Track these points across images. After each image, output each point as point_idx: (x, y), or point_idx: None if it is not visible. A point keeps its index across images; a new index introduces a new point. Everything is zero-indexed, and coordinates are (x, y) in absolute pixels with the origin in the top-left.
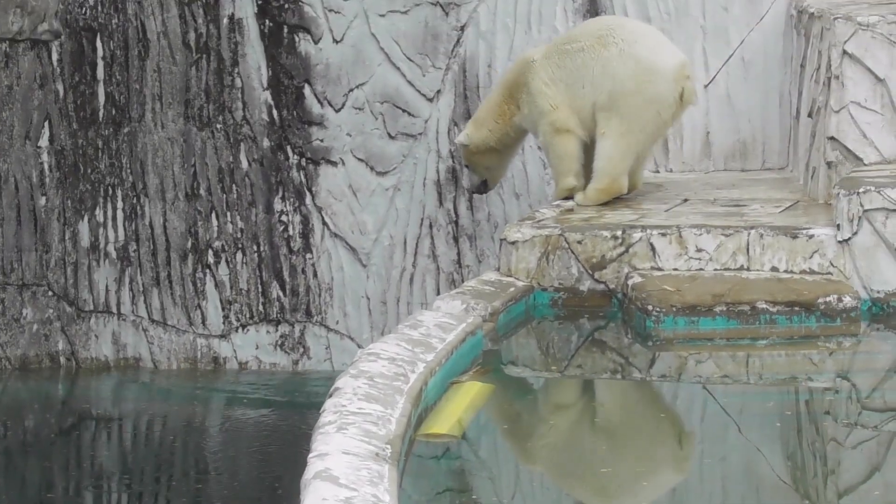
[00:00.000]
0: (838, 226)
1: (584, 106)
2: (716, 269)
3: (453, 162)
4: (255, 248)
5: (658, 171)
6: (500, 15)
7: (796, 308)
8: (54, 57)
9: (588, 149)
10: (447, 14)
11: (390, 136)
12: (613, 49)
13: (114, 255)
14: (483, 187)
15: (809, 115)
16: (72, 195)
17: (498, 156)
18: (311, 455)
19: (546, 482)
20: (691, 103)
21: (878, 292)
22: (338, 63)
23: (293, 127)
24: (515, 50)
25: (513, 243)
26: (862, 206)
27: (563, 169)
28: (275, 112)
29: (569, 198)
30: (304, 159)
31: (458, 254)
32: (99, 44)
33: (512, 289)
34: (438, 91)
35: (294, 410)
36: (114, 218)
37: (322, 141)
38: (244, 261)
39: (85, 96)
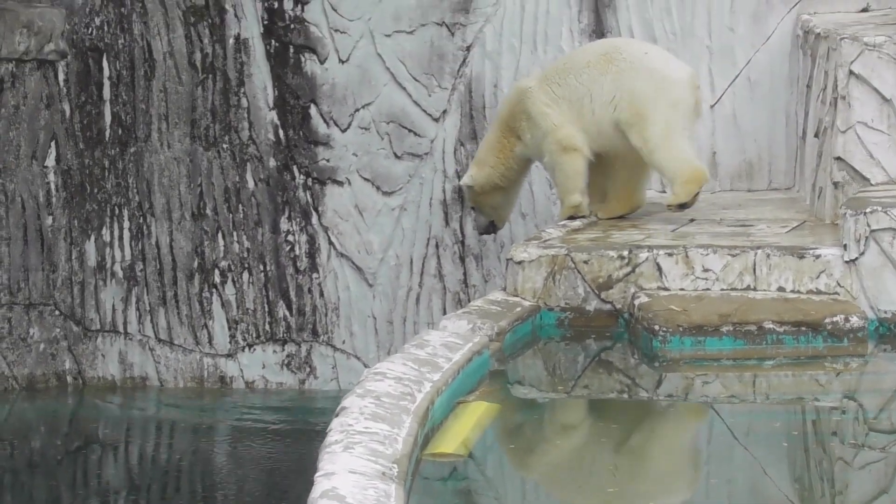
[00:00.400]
0: (845, 246)
1: (598, 121)
2: (722, 289)
3: (459, 181)
4: (261, 267)
5: (664, 192)
6: (505, 35)
7: (803, 328)
8: (61, 77)
9: (597, 175)
10: (453, 34)
11: (396, 156)
12: (623, 64)
13: (120, 274)
14: (491, 228)
15: (816, 136)
16: (78, 215)
17: (503, 194)
18: (317, 474)
19: (552, 502)
20: (699, 115)
21: (886, 312)
22: (344, 83)
23: (299, 147)
24: (521, 70)
25: (519, 263)
26: (869, 226)
27: (570, 186)
28: (281, 132)
29: (574, 217)
30: (310, 179)
31: (465, 273)
32: (105, 64)
33: (518, 309)
34: (444, 111)
35: (300, 430)
36: (120, 237)
37: (328, 161)
38: (250, 280)
39: (91, 116)
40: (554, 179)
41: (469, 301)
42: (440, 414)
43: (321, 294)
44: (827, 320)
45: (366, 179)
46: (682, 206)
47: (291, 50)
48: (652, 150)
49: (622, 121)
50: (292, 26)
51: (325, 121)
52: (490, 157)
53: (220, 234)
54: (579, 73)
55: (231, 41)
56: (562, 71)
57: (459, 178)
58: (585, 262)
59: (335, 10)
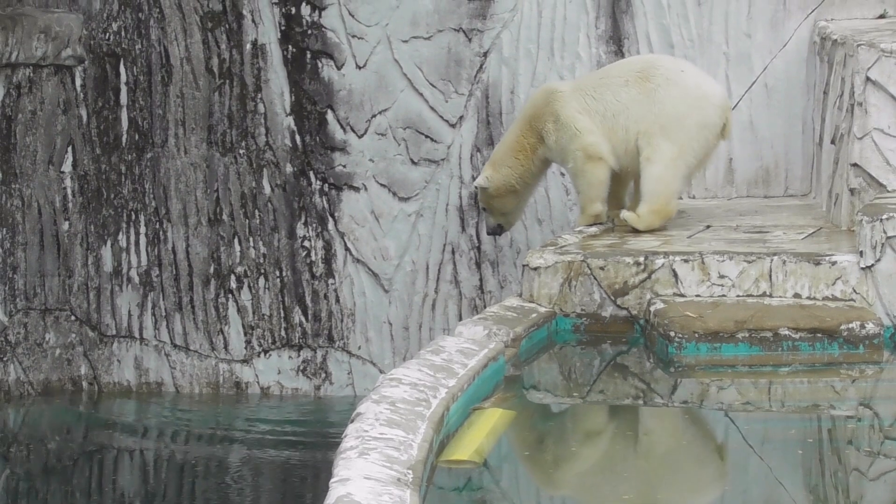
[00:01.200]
0: (861, 252)
1: (626, 138)
2: (738, 296)
3: (474, 183)
4: (277, 273)
5: (681, 198)
6: (522, 41)
7: (819, 335)
8: (77, 82)
9: (617, 179)
10: (470, 40)
11: (413, 162)
12: (659, 80)
13: (136, 280)
14: (499, 230)
15: (832, 142)
16: (95, 220)
17: (515, 197)
18: (332, 480)
19: None
20: (726, 137)
21: None
22: (360, 89)
23: (316, 152)
24: (538, 76)
25: (535, 269)
26: (885, 232)
27: (593, 195)
28: (297, 137)
29: (592, 224)
30: (326, 185)
31: (481, 279)
32: (122, 69)
33: (534, 314)
34: (461, 117)
35: (316, 435)
36: (136, 243)
37: (345, 166)
38: (266, 286)
39: (108, 121)
40: (576, 186)
41: (485, 307)
42: (456, 420)
43: (337, 300)
44: (843, 327)
45: (382, 185)
46: (630, 229)
47: (308, 55)
48: (653, 161)
49: (643, 131)
50: (309, 32)
51: (341, 126)
52: (508, 157)
53: (236, 240)
54: (617, 89)
55: (248, 46)
56: (598, 85)
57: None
58: (601, 269)
59: (352, 16)
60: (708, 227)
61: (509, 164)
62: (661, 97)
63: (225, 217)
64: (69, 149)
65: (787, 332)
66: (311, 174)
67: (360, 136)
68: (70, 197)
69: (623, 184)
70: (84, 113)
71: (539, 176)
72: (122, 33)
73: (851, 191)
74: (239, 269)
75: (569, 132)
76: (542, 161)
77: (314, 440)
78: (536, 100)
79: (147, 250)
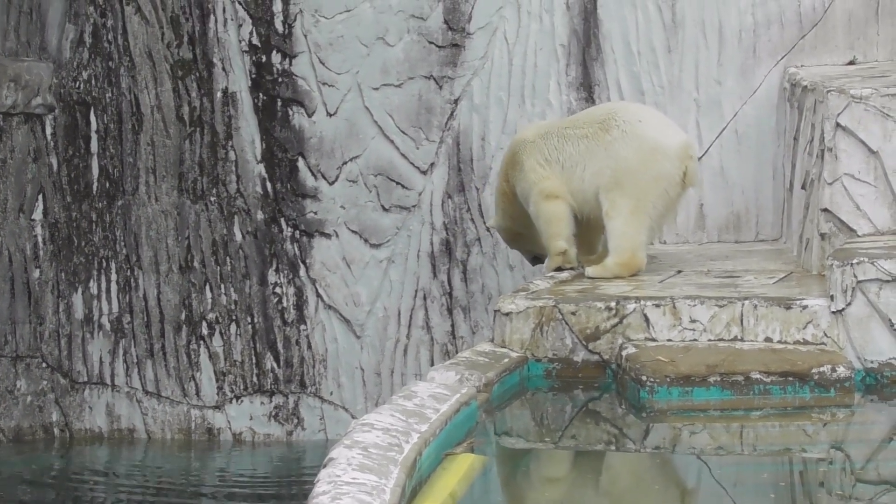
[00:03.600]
0: (832, 296)
1: (585, 189)
2: (710, 340)
3: (447, 234)
4: (249, 319)
5: (652, 243)
6: (493, 89)
7: (790, 378)
8: (48, 130)
9: (586, 229)
10: (441, 87)
11: (384, 209)
12: (616, 132)
13: (108, 327)
14: (536, 260)
15: (803, 187)
16: (66, 268)
17: (523, 234)
18: None
19: None
20: (693, 185)
21: (872, 363)
22: (331, 136)
23: (287, 199)
24: (509, 123)
25: (507, 314)
26: (856, 276)
27: (553, 231)
28: (269, 185)
29: (560, 269)
30: (297, 231)
31: (452, 325)
32: (93, 117)
33: (506, 360)
34: (432, 164)
35: (288, 481)
36: (108, 290)
37: (316, 213)
38: (238, 332)
39: (79, 169)
40: (538, 227)
41: (457, 352)
42: (428, 465)
43: (309, 346)
44: (814, 371)
45: (353, 232)
46: (598, 279)
47: (279, 103)
48: (612, 217)
49: (602, 186)
50: (280, 80)
51: (312, 174)
52: (500, 201)
53: (207, 287)
54: (577, 141)
55: (219, 94)
56: (562, 135)
57: (447, 230)
58: (573, 314)
59: (323, 64)
60: (679, 272)
61: (503, 208)
62: (615, 150)
63: (196, 264)
64: (40, 197)
65: (758, 376)
66: (283, 221)
67: (331, 183)
68: (41, 244)
69: (594, 231)
70: (54, 161)
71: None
72: (93, 82)
73: (822, 235)
74: (210, 316)
75: (529, 180)
76: (521, 205)
77: (286, 486)
78: (510, 148)
79: (118, 297)
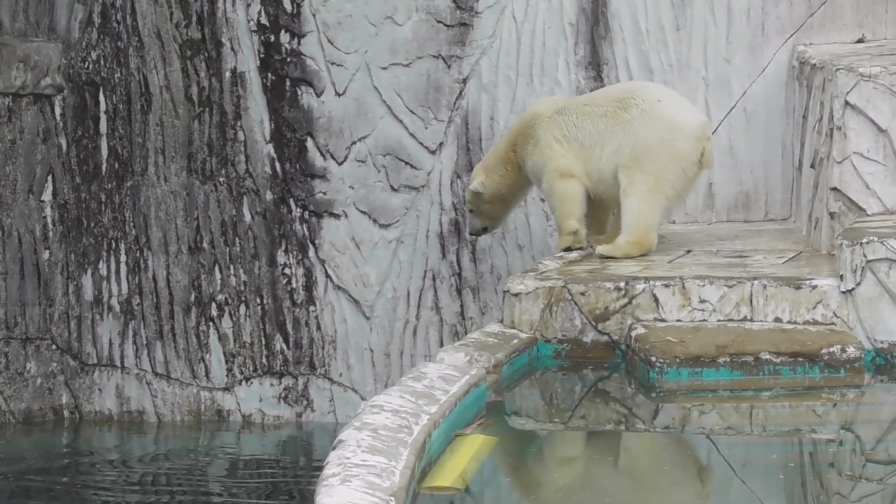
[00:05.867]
0: (841, 276)
1: (602, 168)
2: (719, 321)
3: (456, 214)
4: (258, 300)
5: (661, 223)
6: (502, 68)
7: (800, 359)
8: (57, 111)
9: (597, 209)
10: (449, 67)
11: (393, 189)
12: (634, 111)
13: (117, 308)
14: (482, 231)
15: (812, 166)
16: (75, 249)
17: (503, 204)
18: None
19: None
20: (709, 166)
21: (882, 343)
22: (340, 116)
23: (296, 180)
24: (517, 102)
25: (516, 295)
26: (865, 256)
27: (566, 211)
28: (277, 165)
29: (570, 249)
30: (306, 212)
31: (462, 306)
32: (102, 98)
33: (515, 340)
34: (441, 143)
35: (298, 463)
36: (117, 271)
37: (325, 194)
38: (247, 314)
39: (88, 150)
40: (550, 205)
41: (466, 333)
42: (437, 446)
43: (318, 327)
44: (824, 351)
45: (362, 212)
46: (608, 258)
47: (288, 83)
48: (630, 194)
49: (620, 164)
50: (289, 59)
51: (321, 154)
52: (499, 167)
53: (216, 268)
54: (596, 119)
55: (227, 75)
56: (581, 112)
57: (456, 210)
58: (582, 294)
59: (332, 44)
60: (688, 251)
61: (500, 173)
62: (635, 129)
63: (205, 245)
64: (49, 178)
65: (768, 357)
66: (292, 201)
67: (340, 164)
68: (50, 226)
69: (605, 210)
70: (64, 142)
71: (526, 188)
72: (102, 62)
73: (831, 215)
74: (220, 297)
75: (544, 156)
76: (526, 177)
77: (295, 467)
78: (524, 120)
79: (128, 279)
